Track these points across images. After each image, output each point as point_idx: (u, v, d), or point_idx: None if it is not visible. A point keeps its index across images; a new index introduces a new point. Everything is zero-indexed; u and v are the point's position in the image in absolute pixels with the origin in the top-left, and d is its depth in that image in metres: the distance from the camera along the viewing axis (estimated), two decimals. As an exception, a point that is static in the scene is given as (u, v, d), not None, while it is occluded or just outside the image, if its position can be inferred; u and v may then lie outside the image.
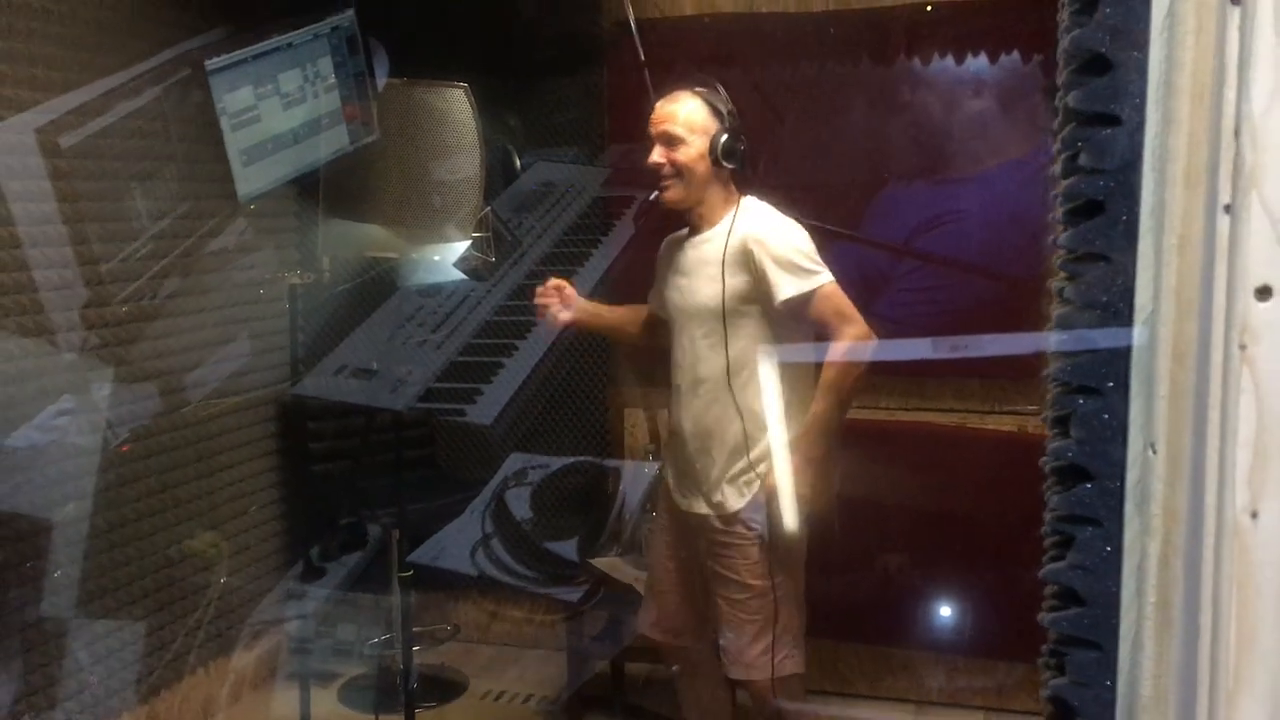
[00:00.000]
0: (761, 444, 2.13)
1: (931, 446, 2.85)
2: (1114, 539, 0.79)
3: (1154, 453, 0.76)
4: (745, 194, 2.18)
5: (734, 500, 2.16)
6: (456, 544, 2.84)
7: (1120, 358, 0.78)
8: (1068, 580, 0.81)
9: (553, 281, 2.30)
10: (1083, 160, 0.79)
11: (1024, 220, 2.73)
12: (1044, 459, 0.86)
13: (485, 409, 2.60)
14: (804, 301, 2.05)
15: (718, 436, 2.16)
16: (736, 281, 2.09)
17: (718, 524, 2.18)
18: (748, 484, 2.15)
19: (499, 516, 2.85)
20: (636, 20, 2.83)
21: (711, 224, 2.17)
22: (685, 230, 2.24)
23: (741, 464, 2.14)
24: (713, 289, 2.11)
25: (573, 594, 2.73)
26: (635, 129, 2.76)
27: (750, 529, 2.14)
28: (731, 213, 2.14)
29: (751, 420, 2.12)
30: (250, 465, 3.00)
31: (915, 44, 2.81)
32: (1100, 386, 0.79)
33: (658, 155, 2.14)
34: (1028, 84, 2.74)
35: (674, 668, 2.46)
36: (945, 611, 2.87)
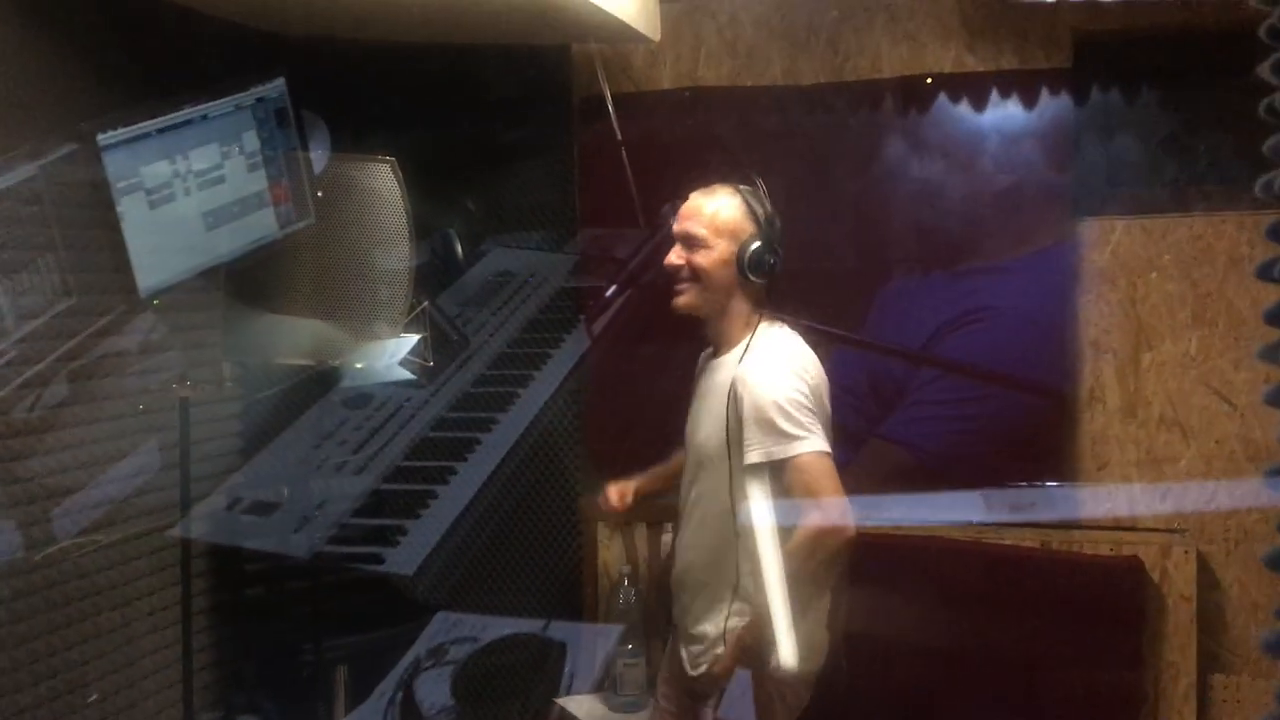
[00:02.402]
0: (741, 605, 2.08)
1: (945, 565, 2.73)
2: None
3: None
4: (766, 314, 2.13)
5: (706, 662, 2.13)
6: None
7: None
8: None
9: (613, 491, 2.34)
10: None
11: (1058, 318, 2.71)
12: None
13: (408, 555, 2.43)
14: (773, 468, 1.99)
15: (706, 585, 2.11)
16: (735, 422, 2.03)
17: (701, 678, 2.14)
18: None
19: (406, 713, 2.58)
20: (611, 94, 2.80)
21: (731, 344, 2.13)
22: (710, 349, 2.21)
23: (722, 624, 2.09)
24: (715, 423, 2.07)
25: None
26: (608, 212, 2.70)
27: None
28: (748, 337, 2.09)
29: (742, 575, 2.07)
30: (137, 606, 2.76)
31: (916, 119, 2.83)
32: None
33: (675, 256, 2.11)
34: (1050, 162, 2.72)
35: None
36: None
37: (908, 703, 2.70)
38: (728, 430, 2.02)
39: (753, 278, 2.07)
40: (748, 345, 2.07)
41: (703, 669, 2.13)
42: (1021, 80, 2.75)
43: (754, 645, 2.03)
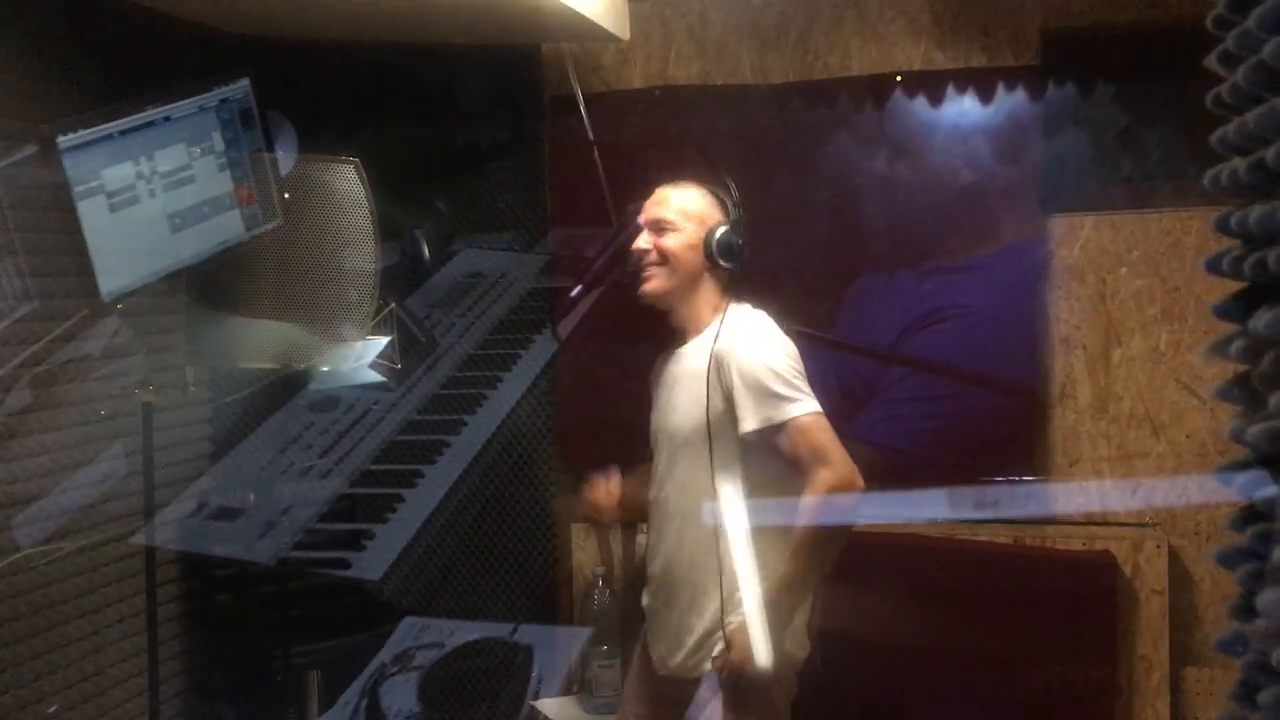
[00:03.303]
0: (735, 597, 2.04)
1: (918, 562, 2.75)
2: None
3: None
4: (735, 300, 2.12)
5: (700, 661, 2.07)
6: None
7: None
8: None
9: (599, 489, 2.25)
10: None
11: (1028, 315, 2.72)
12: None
13: (374, 559, 2.40)
14: (772, 435, 1.97)
15: (690, 584, 2.08)
16: (718, 400, 2.00)
17: (685, 682, 2.09)
18: (716, 642, 2.06)
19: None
20: (582, 93, 2.79)
21: (698, 330, 2.12)
22: (674, 344, 2.19)
23: (711, 619, 2.05)
24: (694, 408, 2.04)
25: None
26: (579, 211, 2.69)
27: (714, 693, 2.04)
28: (719, 320, 2.07)
29: (728, 570, 2.04)
30: (103, 614, 2.72)
31: (885, 117, 2.84)
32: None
33: (644, 241, 2.10)
34: (1018, 159, 2.74)
35: None
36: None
37: (882, 700, 2.70)
38: (708, 410, 2.00)
39: (722, 262, 2.07)
40: (720, 325, 2.06)
41: (703, 668, 2.06)
42: (990, 77, 2.76)
43: (759, 634, 1.99)
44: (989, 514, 2.71)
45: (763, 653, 1.99)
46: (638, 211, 2.16)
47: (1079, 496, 2.77)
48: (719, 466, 2.00)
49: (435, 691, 2.68)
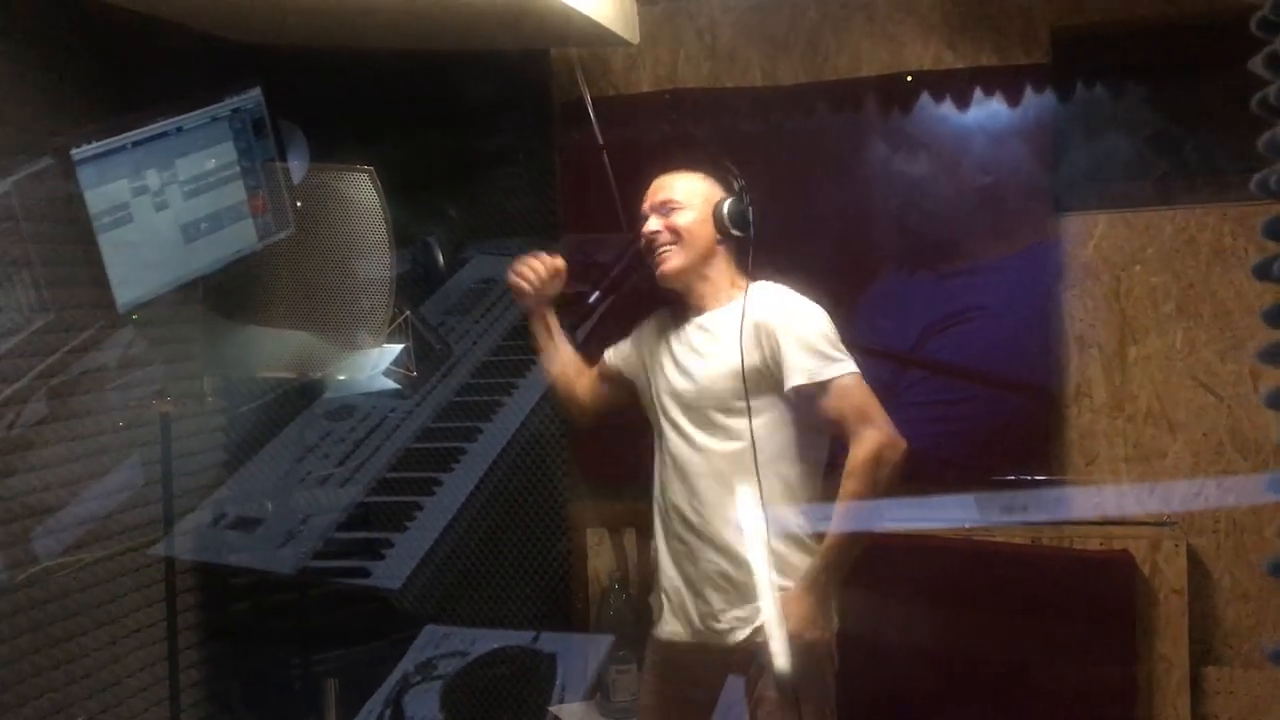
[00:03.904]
0: (770, 557, 2.02)
1: (936, 562, 2.73)
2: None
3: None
4: (753, 275, 2.12)
5: (740, 628, 2.04)
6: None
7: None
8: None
9: (545, 259, 2.19)
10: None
11: (1043, 315, 2.72)
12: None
13: (394, 568, 2.40)
14: (817, 392, 1.98)
15: (722, 542, 2.04)
16: (753, 363, 2.01)
17: (721, 658, 2.06)
18: (755, 609, 2.03)
19: None
20: (591, 98, 2.78)
21: (717, 304, 2.11)
22: (678, 312, 2.18)
23: (747, 574, 2.02)
24: (726, 370, 2.03)
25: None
26: (591, 216, 2.68)
27: (761, 662, 2.01)
28: (741, 294, 2.08)
29: (760, 530, 2.01)
30: (121, 625, 2.73)
31: (897, 118, 2.84)
32: None
33: (653, 224, 2.09)
34: (1031, 158, 2.72)
35: None
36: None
37: (900, 701, 2.69)
38: (744, 373, 1.99)
39: (734, 231, 2.07)
40: (746, 296, 2.05)
41: (741, 635, 2.02)
42: (1001, 76, 2.75)
43: (812, 599, 1.98)
44: (1017, 519, 2.71)
45: (818, 621, 1.99)
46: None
47: (1096, 496, 2.76)
48: (756, 428, 2.00)
49: (458, 700, 2.68)
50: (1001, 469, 2.74)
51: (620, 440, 2.59)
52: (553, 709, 2.57)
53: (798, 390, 1.97)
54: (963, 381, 2.74)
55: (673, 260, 2.09)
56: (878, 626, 2.50)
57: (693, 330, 2.12)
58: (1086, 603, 2.63)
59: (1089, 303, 2.76)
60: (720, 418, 2.04)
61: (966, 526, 2.72)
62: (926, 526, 2.69)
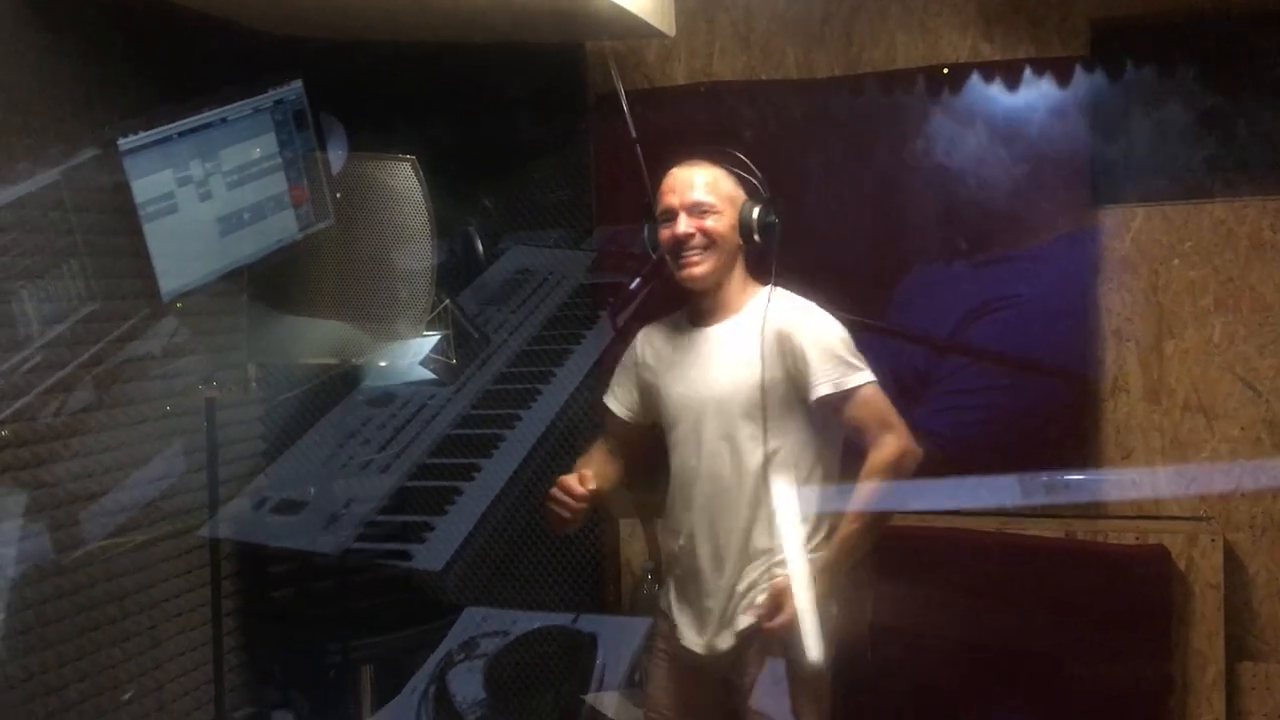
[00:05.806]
0: (781, 563, 2.03)
1: (970, 556, 2.72)
2: None
3: None
4: (769, 283, 2.10)
5: (746, 627, 2.05)
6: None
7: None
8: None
9: (569, 486, 2.03)
10: None
11: (1080, 306, 2.70)
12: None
13: (435, 551, 2.41)
14: (841, 401, 1.97)
15: (734, 552, 2.04)
16: (775, 371, 2.00)
17: (731, 660, 2.06)
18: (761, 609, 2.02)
19: (440, 707, 2.55)
20: (625, 91, 2.78)
21: (732, 311, 2.09)
22: (681, 319, 2.16)
23: (760, 584, 2.03)
24: (746, 376, 2.01)
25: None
26: (625, 209, 2.68)
27: (765, 665, 2.03)
28: (753, 300, 2.07)
29: (772, 534, 2.02)
30: (165, 608, 2.77)
31: (933, 109, 2.82)
32: None
33: (686, 224, 2.04)
34: (1068, 150, 2.70)
35: None
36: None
37: (935, 693, 2.69)
38: (763, 381, 1.98)
39: (759, 239, 2.05)
40: (768, 303, 2.03)
41: (748, 624, 2.03)
42: (1038, 68, 2.72)
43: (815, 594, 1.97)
44: (1049, 500, 2.69)
45: (815, 611, 1.97)
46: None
47: (1132, 490, 2.74)
48: (771, 434, 2.00)
49: (501, 678, 2.69)
50: (1038, 459, 2.72)
51: (652, 433, 2.60)
52: (589, 698, 2.58)
53: (822, 400, 1.97)
54: (1000, 369, 2.73)
55: (704, 265, 2.04)
56: (914, 620, 2.50)
57: (709, 338, 2.10)
58: (1122, 597, 2.61)
59: (1126, 296, 2.73)
60: (740, 426, 2.02)
61: (1001, 515, 2.71)
62: (962, 509, 2.68)
